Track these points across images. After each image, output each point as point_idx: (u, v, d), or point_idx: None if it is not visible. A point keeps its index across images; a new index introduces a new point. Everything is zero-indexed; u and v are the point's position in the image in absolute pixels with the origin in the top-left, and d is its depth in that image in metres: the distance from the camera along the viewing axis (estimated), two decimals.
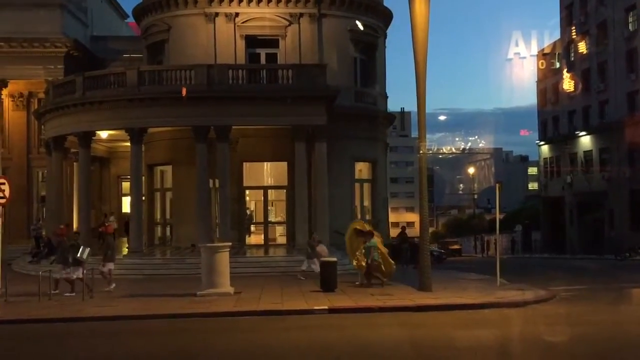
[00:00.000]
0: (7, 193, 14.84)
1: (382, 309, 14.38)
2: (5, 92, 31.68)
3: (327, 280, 17.08)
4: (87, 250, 17.09)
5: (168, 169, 27.60)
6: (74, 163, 28.06)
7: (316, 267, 19.23)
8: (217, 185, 23.96)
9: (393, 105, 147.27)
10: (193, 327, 12.92)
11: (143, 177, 25.55)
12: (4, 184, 14.85)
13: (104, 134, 26.37)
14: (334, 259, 17.66)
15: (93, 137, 25.30)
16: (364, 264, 17.67)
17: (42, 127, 28.89)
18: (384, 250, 18.40)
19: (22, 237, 29.49)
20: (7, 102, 32.22)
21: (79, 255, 16.77)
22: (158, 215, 28.65)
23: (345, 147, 26.88)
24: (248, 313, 14.07)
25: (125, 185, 32.25)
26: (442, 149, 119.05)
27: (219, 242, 18.61)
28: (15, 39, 30.44)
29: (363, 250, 17.71)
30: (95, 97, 23.64)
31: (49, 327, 13.35)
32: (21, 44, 30.59)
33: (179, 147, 25.38)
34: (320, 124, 23.60)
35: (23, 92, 32.60)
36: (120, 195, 34.47)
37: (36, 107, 30.45)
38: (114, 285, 17.58)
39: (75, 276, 16.89)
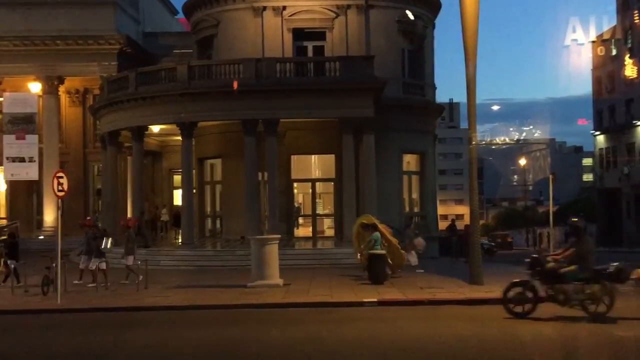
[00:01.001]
0: (65, 186, 15.33)
1: (432, 302, 14.25)
2: (62, 88, 32.75)
3: (376, 273, 17.05)
4: (110, 240, 17.66)
5: (218, 162, 28.03)
6: (128, 157, 28.83)
7: (413, 259, 19.11)
8: (265, 178, 24.19)
9: (442, 96, 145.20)
10: (243, 318, 13.12)
11: (194, 171, 26.03)
12: (62, 177, 15.33)
13: (156, 129, 26.97)
14: (383, 252, 17.59)
15: (146, 132, 25.91)
16: (364, 257, 17.57)
17: (97, 122, 29.77)
18: (395, 241, 18.26)
19: (79, 229, 30.48)
20: (64, 99, 33.32)
21: (102, 246, 17.29)
22: (208, 208, 29.16)
23: (393, 139, 26.70)
24: (297, 305, 14.18)
25: (177, 178, 32.97)
26: (495, 140, 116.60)
27: (268, 235, 18.80)
28: (71, 37, 31.41)
29: (369, 244, 17.52)
30: (148, 93, 24.18)
31: (107, 316, 13.82)
32: (77, 41, 31.54)
33: (229, 140, 25.72)
34: (368, 116, 23.51)
35: (79, 89, 33.67)
36: (171, 188, 35.25)
37: (91, 103, 31.38)
38: (141, 277, 17.19)
39: (94, 267, 17.36)
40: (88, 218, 21.69)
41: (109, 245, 17.66)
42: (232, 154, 25.76)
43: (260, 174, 24.17)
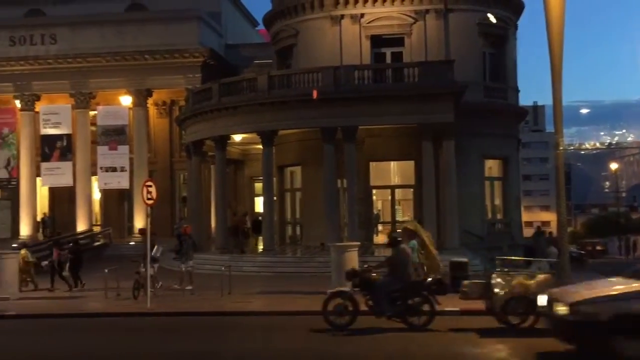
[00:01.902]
0: (154, 195, 16.02)
1: None
2: (150, 101, 34.30)
3: (458, 281, 16.66)
4: (160, 248, 18.24)
5: (297, 169, 28.40)
6: (212, 165, 29.74)
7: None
8: (344, 185, 24.28)
9: (525, 99, 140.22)
10: (323, 324, 13.17)
11: (274, 178, 26.50)
12: (151, 186, 16.03)
13: (238, 137, 27.69)
14: (465, 260, 17.20)
15: (228, 141, 26.64)
16: None
17: (183, 132, 30.92)
18: (434, 251, 17.36)
19: (167, 236, 31.74)
20: (152, 110, 34.88)
21: (153, 253, 17.65)
22: (289, 215, 29.57)
23: (474, 144, 26.12)
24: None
25: (258, 185, 33.64)
26: (584, 145, 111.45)
27: (347, 241, 18.83)
28: (159, 52, 32.88)
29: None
30: (230, 103, 24.88)
31: (192, 320, 14.30)
32: (164, 55, 32.97)
33: (308, 148, 26.02)
34: (448, 121, 23.12)
35: (166, 101, 35.16)
36: (253, 195, 36.04)
37: (177, 114, 32.64)
38: (189, 286, 17.76)
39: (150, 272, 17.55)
40: (185, 225, 22.62)
41: (159, 254, 18.32)
42: (312, 162, 26.02)
43: (339, 181, 24.28)
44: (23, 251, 20.77)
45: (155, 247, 17.97)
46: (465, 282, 13.33)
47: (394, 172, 28.48)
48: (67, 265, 20.16)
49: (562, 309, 9.17)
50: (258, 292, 17.75)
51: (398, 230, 12.75)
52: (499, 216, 28.81)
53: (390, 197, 27.53)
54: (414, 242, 16.83)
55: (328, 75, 23.57)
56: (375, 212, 28.27)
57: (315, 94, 22.26)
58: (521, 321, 11.72)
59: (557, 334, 9.43)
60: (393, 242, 12.52)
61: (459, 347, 10.61)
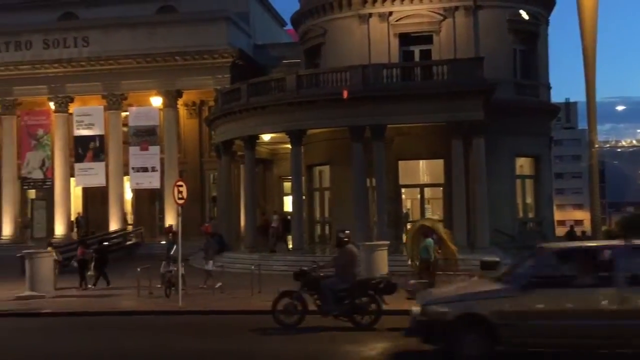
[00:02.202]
0: (185, 194, 16.22)
1: None
2: (180, 101, 34.70)
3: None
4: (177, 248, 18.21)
5: (326, 168, 28.41)
6: (241, 165, 29.96)
7: None
8: (373, 183, 24.21)
9: (557, 96, 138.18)
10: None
11: (303, 177, 26.57)
12: (182, 186, 16.23)
13: (266, 137, 27.83)
14: (496, 259, 17.02)
15: (257, 140, 26.80)
16: (417, 263, 16.94)
17: (212, 132, 31.21)
18: (452, 247, 17.59)
19: (197, 235, 32.11)
20: (182, 111, 35.28)
21: (172, 252, 17.89)
22: (317, 214, 29.60)
23: (504, 143, 25.79)
24: (405, 312, 14.01)
25: (287, 185, 33.79)
26: (621, 142, 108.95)
27: (377, 241, 18.79)
28: (188, 53, 33.22)
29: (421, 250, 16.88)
30: (258, 103, 25.02)
31: (222, 319, 14.43)
32: (193, 56, 33.31)
33: (336, 147, 26.02)
34: (478, 119, 22.88)
35: (195, 101, 35.52)
36: (282, 194, 36.19)
37: (207, 114, 32.95)
38: (219, 284, 17.89)
39: (164, 270, 17.89)
40: (167, 226, 22.72)
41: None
42: (340, 161, 26.01)
43: (368, 180, 24.23)
44: (49, 248, 21.24)
45: (175, 246, 17.99)
46: (412, 281, 13.67)
47: (423, 170, 28.28)
48: (92, 264, 20.62)
49: (416, 309, 9.60)
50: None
51: (346, 232, 13.08)
52: (530, 215, 28.40)
53: (419, 196, 27.34)
54: (430, 239, 16.82)
55: (356, 74, 23.53)
56: (404, 211, 28.12)
57: (345, 93, 22.26)
58: None
59: (412, 333, 9.70)
60: (339, 242, 12.64)
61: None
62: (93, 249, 21.52)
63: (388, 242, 18.12)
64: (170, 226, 26.00)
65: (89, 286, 20.12)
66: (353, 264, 12.33)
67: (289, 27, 37.26)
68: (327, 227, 28.92)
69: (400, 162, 26.36)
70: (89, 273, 20.56)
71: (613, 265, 9.04)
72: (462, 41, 26.74)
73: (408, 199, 28.78)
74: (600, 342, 8.97)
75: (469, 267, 19.41)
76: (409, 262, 17.81)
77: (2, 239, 34.06)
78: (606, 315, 8.72)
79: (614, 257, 9.17)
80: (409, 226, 28.63)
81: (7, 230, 34.74)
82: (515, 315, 8.87)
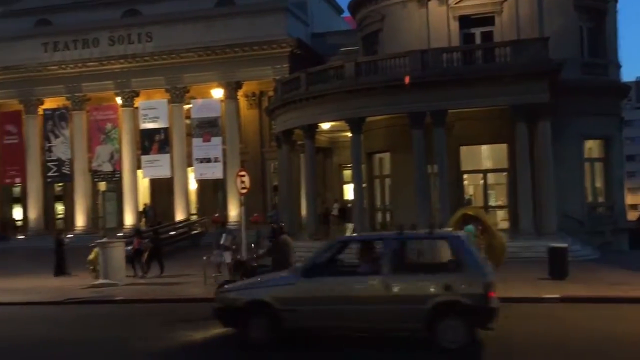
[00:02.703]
0: (247, 184, 16.53)
1: (623, 300, 13.10)
2: (240, 93, 35.20)
3: (557, 267, 16.06)
4: (229, 237, 18.31)
5: (386, 156, 28.24)
6: (301, 154, 30.16)
7: None
8: (434, 170, 23.90)
9: (628, 75, 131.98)
10: None
11: (363, 165, 26.52)
12: (244, 175, 16.54)
13: (326, 126, 27.88)
14: (564, 245, 16.52)
15: (316, 129, 26.90)
16: None
17: (272, 122, 31.54)
18: (498, 234, 16.99)
19: (260, 223, 32.57)
20: (242, 102, 35.80)
21: (222, 242, 17.98)
22: (378, 202, 29.51)
23: (572, 125, 24.89)
24: None
25: (347, 173, 33.81)
26: None
27: (439, 228, 18.54)
28: (247, 44, 33.62)
29: None
30: (317, 91, 25.06)
31: None
32: (252, 47, 33.69)
33: (396, 134, 25.80)
34: (543, 101, 22.16)
35: (255, 92, 35.96)
36: (342, 183, 36.26)
37: (266, 104, 33.32)
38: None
39: (218, 261, 17.97)
40: (216, 215, 23.00)
41: (228, 242, 18.38)
42: (400, 148, 25.79)
43: (429, 167, 23.93)
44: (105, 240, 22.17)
45: (224, 236, 18.32)
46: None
47: (486, 155, 27.69)
48: (147, 253, 21.39)
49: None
50: None
51: (281, 223, 14.03)
52: (600, 199, 27.36)
53: (482, 182, 26.82)
54: (471, 227, 16.37)
55: (416, 59, 23.20)
56: (466, 197, 27.64)
57: (407, 79, 22.01)
58: None
59: (214, 318, 10.54)
60: (273, 233, 13.28)
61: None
62: (148, 238, 22.29)
63: (451, 229, 17.81)
64: (218, 216, 26.48)
65: (143, 274, 20.93)
66: (288, 254, 12.66)
67: (346, 14, 37.08)
68: (387, 215, 28.80)
69: (462, 148, 25.89)
70: (143, 260, 21.37)
71: (382, 254, 9.64)
72: (526, 21, 25.89)
73: (470, 185, 28.26)
74: (370, 326, 9.55)
75: (536, 254, 18.97)
76: None
77: (75, 230, 35.61)
78: (373, 300, 9.27)
79: (382, 247, 9.70)
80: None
81: (80, 221, 36.32)
82: (295, 301, 9.62)
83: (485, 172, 26.79)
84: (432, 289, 9.13)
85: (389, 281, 9.26)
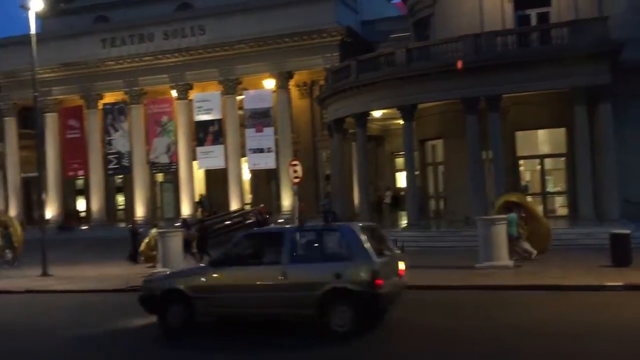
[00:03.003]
0: (300, 173, 16.68)
1: None
2: (291, 82, 35.39)
3: (620, 254, 15.55)
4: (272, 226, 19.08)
5: (439, 143, 27.89)
6: (353, 143, 30.16)
7: None
8: (489, 156, 23.45)
9: None
10: (472, 299, 12.98)
11: (415, 152, 26.28)
12: (297, 165, 16.69)
13: (377, 113, 27.76)
14: (627, 231, 15.97)
15: (368, 117, 26.80)
16: None
17: (324, 111, 31.59)
18: (543, 220, 17.55)
19: (312, 212, 32.85)
20: (293, 92, 35.99)
21: None
22: (431, 189, 29.22)
23: (633, 107, 23.85)
24: (529, 287, 13.61)
25: (399, 161, 33.60)
26: None
27: (494, 215, 18.26)
28: (298, 34, 33.72)
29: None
30: (368, 79, 24.93)
31: None
32: (302, 37, 33.76)
33: (449, 120, 25.43)
34: (603, 83, 21.39)
35: (306, 81, 36.08)
36: (394, 170, 36.04)
37: (317, 93, 33.39)
38: None
39: None
40: (261, 206, 23.93)
41: None
42: (454, 134, 25.41)
43: (483, 153, 23.51)
44: (154, 231, 22.58)
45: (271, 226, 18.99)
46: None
47: (543, 140, 26.97)
48: (195, 243, 21.94)
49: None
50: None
51: (333, 211, 14.96)
52: None
53: (539, 167, 26.16)
54: (513, 214, 16.77)
55: (469, 43, 22.75)
56: (523, 183, 27.03)
57: (459, 64, 21.64)
58: None
59: (140, 304, 11.28)
60: (326, 220, 14.34)
61: None
62: (195, 229, 22.80)
63: (506, 216, 17.50)
64: (259, 206, 26.93)
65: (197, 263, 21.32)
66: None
67: (397, 0, 36.64)
68: (441, 202, 28.49)
69: (517, 133, 25.30)
70: (192, 250, 21.97)
71: (282, 245, 10.25)
72: (584, 0, 24.96)
73: (527, 171, 27.62)
74: (270, 312, 10.29)
75: (597, 242, 18.42)
76: None
77: (136, 220, 36.73)
78: (271, 288, 10.06)
79: (283, 239, 10.34)
80: (528, 199, 27.71)
81: (140, 212, 37.44)
82: (206, 289, 10.49)
83: (542, 157, 26.12)
84: (323, 277, 9.76)
85: (286, 270, 9.99)
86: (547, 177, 26.44)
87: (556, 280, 14.06)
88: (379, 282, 9.56)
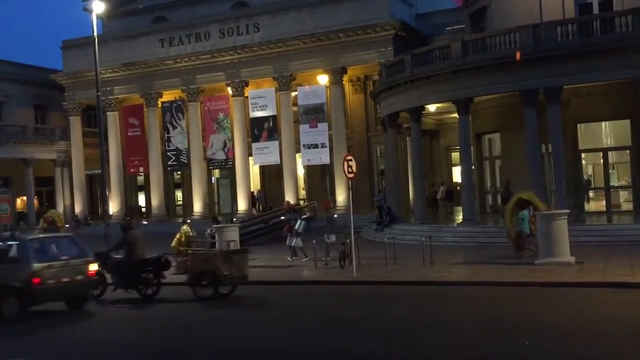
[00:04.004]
0: (354, 168, 16.64)
1: None
2: (345, 78, 35.39)
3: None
4: (303, 223, 20.45)
5: (496, 136, 27.36)
6: (407, 137, 29.93)
7: None
8: (549, 150, 22.83)
9: None
10: (532, 296, 12.71)
11: (471, 147, 25.86)
12: (351, 160, 16.66)
13: (432, 107, 27.44)
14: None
15: (422, 111, 26.53)
16: (512, 235, 17.52)
17: (377, 106, 31.45)
18: None
19: (367, 207, 32.85)
20: (347, 87, 35.99)
21: (296, 227, 20.14)
22: (488, 184, 28.70)
23: None
24: (592, 284, 13.21)
25: (454, 155, 33.14)
26: None
27: (555, 210, 17.79)
28: (351, 29, 33.67)
29: (517, 222, 17.33)
30: (423, 73, 24.66)
31: (396, 289, 14.70)
32: (356, 32, 33.69)
33: (506, 113, 24.89)
34: None
35: (360, 77, 36.02)
36: (450, 165, 35.57)
37: (371, 88, 33.27)
38: (305, 258, 19.80)
39: (293, 244, 20.13)
40: (291, 202, 24.69)
41: (301, 229, 20.43)
42: (511, 127, 24.87)
43: (543, 146, 22.91)
44: (185, 227, 22.85)
45: (298, 222, 20.33)
46: (179, 259, 15.58)
47: (606, 133, 26.05)
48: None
49: None
50: (460, 262, 17.62)
51: (128, 218, 17.34)
52: None
53: (602, 161, 25.27)
54: (525, 212, 17.17)
55: (527, 34, 22.17)
56: (585, 177, 26.21)
57: (518, 55, 21.13)
58: (215, 292, 14.27)
59: None
60: (122, 228, 15.64)
61: None
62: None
63: (568, 211, 17.02)
64: (288, 202, 27.19)
65: None
66: (136, 246, 14.81)
67: None
68: (498, 197, 27.92)
69: (579, 125, 24.54)
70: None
71: None
72: None
73: (589, 165, 26.78)
74: None
75: None
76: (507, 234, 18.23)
77: (193, 215, 37.63)
78: None
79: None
80: (590, 194, 26.85)
81: (197, 207, 38.33)
82: None
83: (605, 150, 25.25)
84: (4, 277, 12.89)
85: None
86: (610, 171, 25.53)
87: (623, 277, 13.59)
88: (36, 280, 12.64)
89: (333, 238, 19.46)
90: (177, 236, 22.73)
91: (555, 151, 22.26)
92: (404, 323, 10.87)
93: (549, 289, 13.23)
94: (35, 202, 44.04)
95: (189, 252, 15.92)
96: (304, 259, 19.76)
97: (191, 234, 22.45)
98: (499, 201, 27.79)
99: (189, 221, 24.99)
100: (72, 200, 43.31)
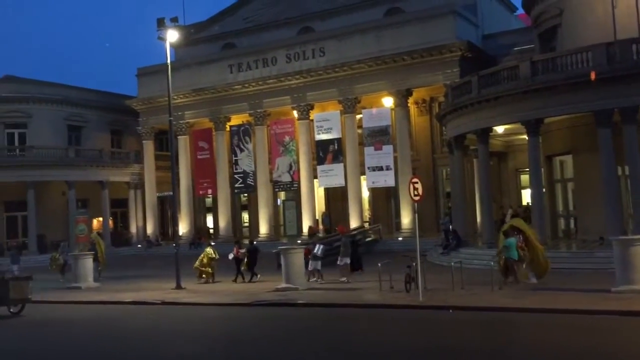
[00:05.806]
0: (420, 191, 16.50)
1: None
2: (410, 100, 35.24)
3: None
4: (321, 247, 21.43)
5: (568, 158, 26.48)
6: (474, 159, 29.39)
7: None
8: (625, 172, 21.87)
9: None
10: (607, 325, 12.13)
11: (542, 169, 25.12)
12: (417, 183, 16.53)
13: (500, 129, 26.88)
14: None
15: (490, 133, 26.04)
16: (500, 262, 18.14)
17: (443, 128, 31.11)
18: (540, 248, 18.33)
19: (432, 230, 32.35)
20: (412, 109, 35.82)
21: (314, 251, 21.27)
22: (560, 207, 27.74)
23: None
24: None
25: (524, 177, 32.21)
26: None
27: (633, 235, 16.97)
28: (416, 51, 33.57)
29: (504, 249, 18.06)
30: (490, 94, 24.25)
31: (463, 314, 14.35)
32: (421, 54, 33.56)
33: (579, 134, 24.09)
34: None
35: (425, 99, 35.79)
36: (519, 188, 34.60)
37: (437, 110, 32.95)
38: (344, 279, 20.93)
39: (312, 268, 21.15)
40: (312, 226, 25.76)
41: (319, 253, 21.30)
42: (584, 149, 24.03)
43: (619, 168, 21.97)
44: (209, 249, 24.15)
45: (317, 246, 21.35)
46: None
47: None
48: (244, 261, 23.34)
49: None
50: (532, 288, 17.04)
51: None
52: None
53: None
54: (512, 239, 17.80)
55: (600, 53, 21.48)
56: None
57: (593, 75, 20.50)
58: None
59: None
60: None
61: None
62: (245, 249, 24.15)
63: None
64: (310, 227, 27.37)
65: (244, 280, 22.87)
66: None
67: (521, 11, 35.45)
68: (571, 221, 26.92)
69: None
70: (242, 268, 23.29)
71: None
72: None
73: None
74: None
75: None
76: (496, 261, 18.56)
77: (259, 237, 38.17)
78: None
79: None
80: None
81: (264, 229, 38.85)
82: None
83: None
84: None
85: None
86: None
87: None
88: None
89: (347, 260, 20.98)
90: (201, 257, 23.94)
91: (632, 173, 21.33)
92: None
93: (626, 318, 12.57)
94: (110, 222, 45.87)
95: None
96: (320, 282, 20.73)
97: (213, 256, 23.45)
98: (572, 225, 26.81)
99: (213, 244, 26.49)
100: (144, 221, 44.83)
